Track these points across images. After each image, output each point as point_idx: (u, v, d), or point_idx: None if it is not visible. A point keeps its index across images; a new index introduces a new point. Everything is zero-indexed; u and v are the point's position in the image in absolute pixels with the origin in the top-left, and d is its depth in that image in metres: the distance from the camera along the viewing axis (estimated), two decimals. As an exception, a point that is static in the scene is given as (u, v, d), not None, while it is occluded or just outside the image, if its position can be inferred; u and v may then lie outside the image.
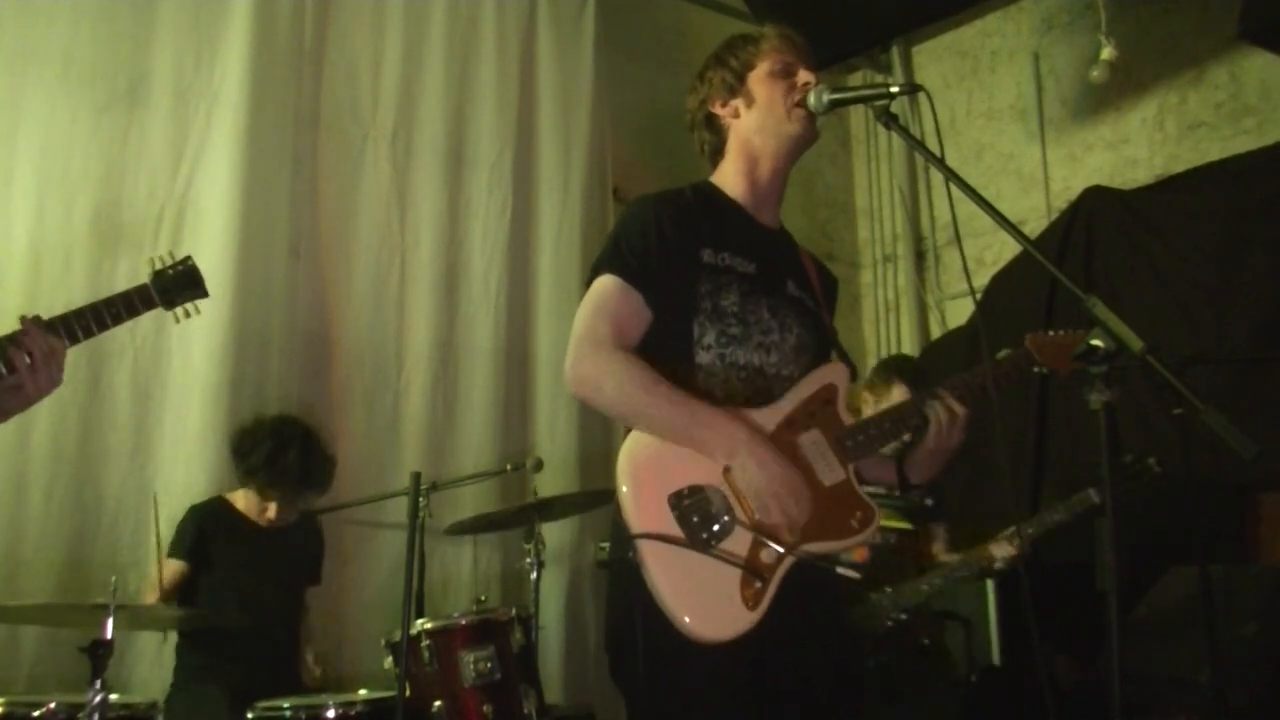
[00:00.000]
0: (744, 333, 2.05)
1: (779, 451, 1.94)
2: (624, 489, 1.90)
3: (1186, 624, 3.63)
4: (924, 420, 2.11)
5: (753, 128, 2.15)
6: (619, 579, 1.95)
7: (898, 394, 3.56)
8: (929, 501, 3.59)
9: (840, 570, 1.98)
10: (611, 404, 2.01)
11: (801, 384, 2.07)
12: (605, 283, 2.04)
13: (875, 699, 3.23)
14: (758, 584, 1.86)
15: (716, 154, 2.22)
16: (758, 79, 2.15)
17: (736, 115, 2.17)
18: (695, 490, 1.89)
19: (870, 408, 3.62)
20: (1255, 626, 3.61)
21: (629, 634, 1.86)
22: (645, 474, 1.92)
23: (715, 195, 2.18)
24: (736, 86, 2.17)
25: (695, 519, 1.87)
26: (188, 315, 2.43)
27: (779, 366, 2.08)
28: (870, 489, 2.09)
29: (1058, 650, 4.03)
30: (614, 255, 2.06)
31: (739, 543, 1.88)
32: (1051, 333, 2.21)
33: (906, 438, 2.17)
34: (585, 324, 2.01)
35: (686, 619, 1.82)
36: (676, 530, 1.86)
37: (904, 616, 3.30)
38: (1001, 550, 3.37)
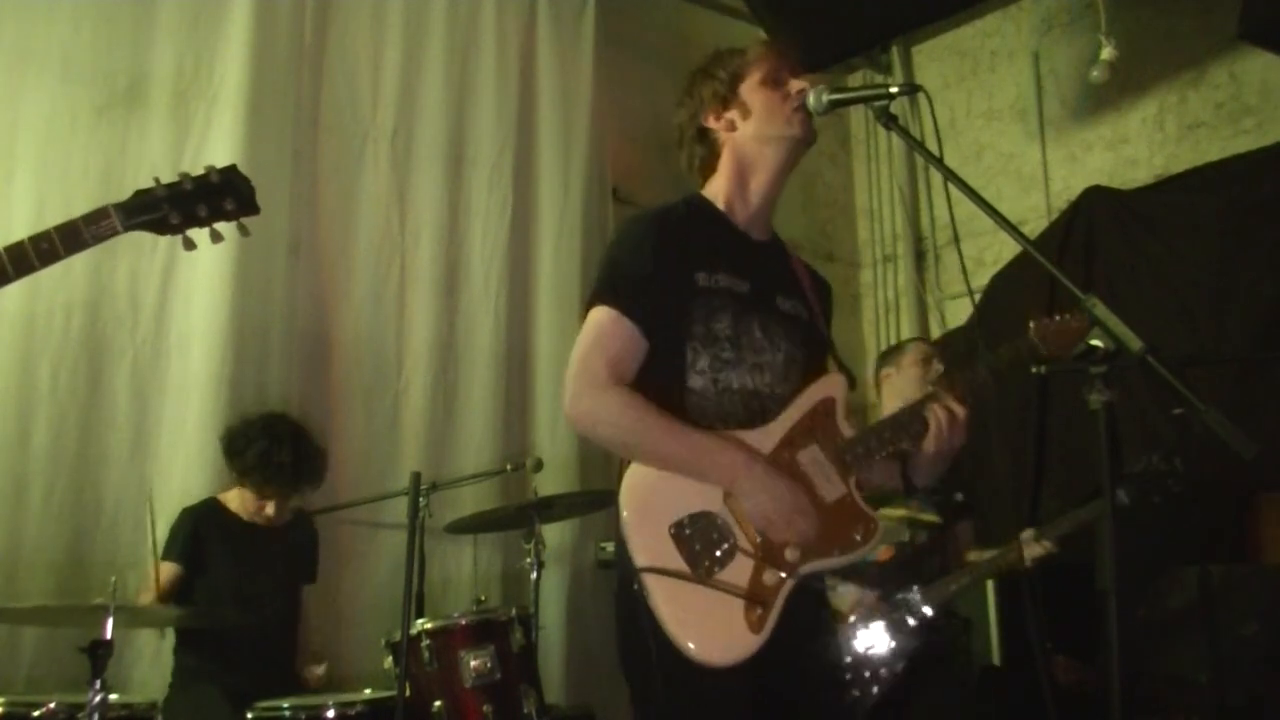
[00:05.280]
0: (737, 356, 2.03)
1: (780, 471, 1.94)
2: (626, 520, 1.91)
3: (1186, 624, 3.64)
4: (924, 426, 2.09)
5: (751, 136, 2.12)
6: (625, 606, 1.95)
7: (910, 359, 3.60)
8: (959, 496, 3.54)
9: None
10: (610, 442, 2.00)
11: (798, 400, 2.06)
12: (600, 315, 2.01)
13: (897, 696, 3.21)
14: (760, 610, 1.87)
15: (707, 168, 2.19)
16: (750, 88, 2.12)
17: (733, 128, 2.14)
18: (696, 519, 1.90)
19: (892, 382, 3.63)
20: (1255, 626, 3.62)
21: (640, 658, 1.88)
22: (647, 505, 1.92)
23: (708, 209, 2.15)
24: (729, 97, 2.13)
25: (697, 547, 1.88)
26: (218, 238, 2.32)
27: (772, 386, 2.06)
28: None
29: (1058, 650, 4.02)
30: (608, 286, 2.03)
31: (741, 568, 1.89)
32: (1058, 317, 2.17)
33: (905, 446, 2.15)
34: (581, 361, 1.99)
35: (692, 646, 1.83)
36: (679, 559, 1.87)
37: (929, 614, 3.27)
38: (1031, 551, 3.32)
